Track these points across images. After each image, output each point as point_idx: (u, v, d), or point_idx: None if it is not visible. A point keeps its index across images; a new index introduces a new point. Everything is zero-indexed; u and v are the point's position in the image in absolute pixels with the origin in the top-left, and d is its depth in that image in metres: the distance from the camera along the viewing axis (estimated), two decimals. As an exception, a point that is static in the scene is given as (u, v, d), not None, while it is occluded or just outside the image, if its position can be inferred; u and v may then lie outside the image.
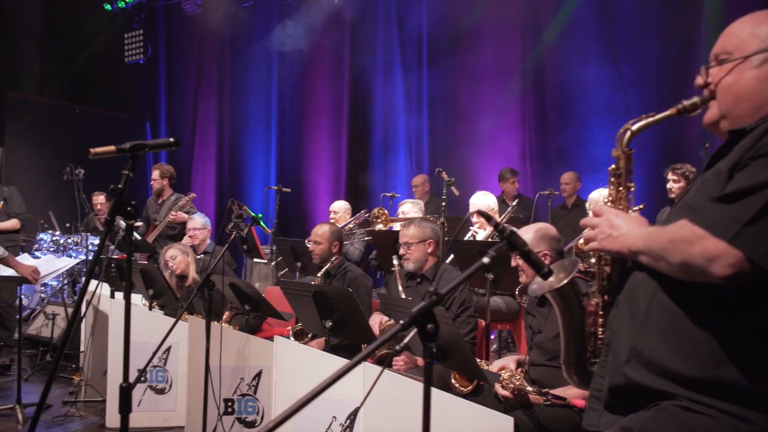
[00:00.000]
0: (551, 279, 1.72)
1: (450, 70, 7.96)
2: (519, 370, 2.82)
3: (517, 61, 7.70)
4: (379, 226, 5.62)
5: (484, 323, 3.91)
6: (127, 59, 10.49)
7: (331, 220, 6.30)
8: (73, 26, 10.42)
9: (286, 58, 9.63)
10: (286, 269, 5.92)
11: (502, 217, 5.14)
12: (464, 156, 7.62)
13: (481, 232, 4.65)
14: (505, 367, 2.82)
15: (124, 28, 10.53)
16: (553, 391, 2.59)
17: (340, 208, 6.43)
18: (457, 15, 7.73)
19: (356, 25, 8.56)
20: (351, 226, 6.11)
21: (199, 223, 5.46)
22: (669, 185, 5.16)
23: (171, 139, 1.99)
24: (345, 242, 5.68)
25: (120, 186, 1.82)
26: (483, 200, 4.88)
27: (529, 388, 2.66)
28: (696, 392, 1.40)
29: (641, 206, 4.48)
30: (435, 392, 2.21)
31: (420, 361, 3.41)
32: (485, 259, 1.43)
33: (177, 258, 4.75)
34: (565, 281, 1.71)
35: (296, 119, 9.65)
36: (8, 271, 4.59)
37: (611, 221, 1.55)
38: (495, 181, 7.06)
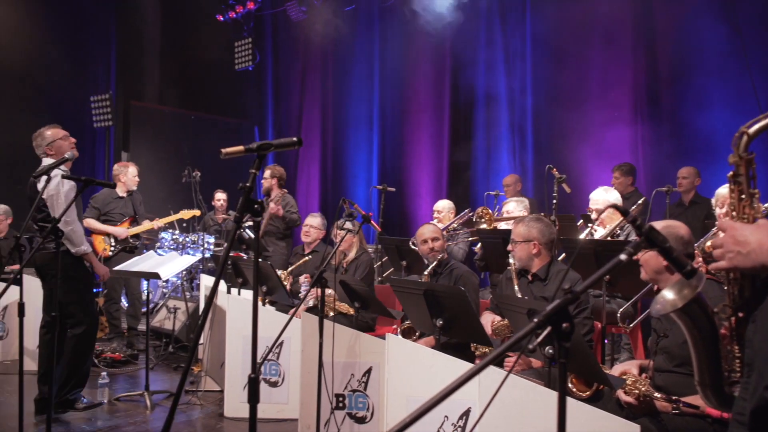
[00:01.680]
0: (674, 298, 1.61)
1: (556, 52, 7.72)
2: (643, 375, 2.67)
3: (627, 48, 7.34)
4: (483, 226, 5.53)
5: (599, 326, 3.75)
6: (237, 67, 10.97)
7: (435, 220, 6.28)
8: (189, 38, 11.10)
9: (387, 59, 9.73)
10: (392, 269, 5.97)
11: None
12: (571, 154, 7.31)
13: (599, 230, 4.40)
14: (627, 372, 2.68)
15: (234, 37, 11.04)
16: (684, 399, 2.42)
17: (444, 207, 6.40)
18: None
19: (457, 19, 8.46)
20: (455, 225, 6.06)
21: (316, 222, 5.63)
22: (806, 179, 4.72)
23: (294, 139, 2.04)
24: (449, 242, 5.64)
25: (248, 184, 1.89)
26: (604, 196, 4.53)
27: (657, 395, 2.50)
28: None
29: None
30: (557, 396, 2.12)
31: (534, 362, 3.31)
32: (622, 256, 1.36)
33: (346, 236, 4.96)
34: (689, 298, 1.60)
35: (397, 119, 9.71)
36: (136, 267, 4.96)
37: (736, 237, 1.42)
38: (604, 179, 6.67)
